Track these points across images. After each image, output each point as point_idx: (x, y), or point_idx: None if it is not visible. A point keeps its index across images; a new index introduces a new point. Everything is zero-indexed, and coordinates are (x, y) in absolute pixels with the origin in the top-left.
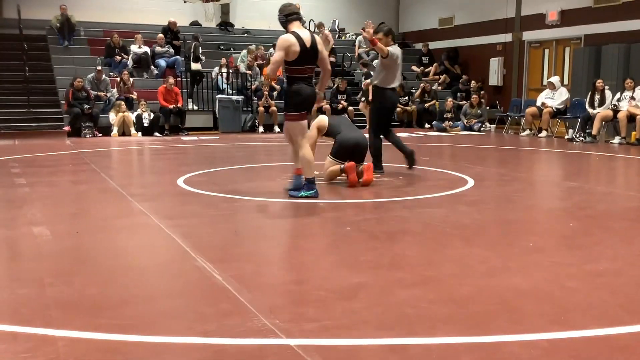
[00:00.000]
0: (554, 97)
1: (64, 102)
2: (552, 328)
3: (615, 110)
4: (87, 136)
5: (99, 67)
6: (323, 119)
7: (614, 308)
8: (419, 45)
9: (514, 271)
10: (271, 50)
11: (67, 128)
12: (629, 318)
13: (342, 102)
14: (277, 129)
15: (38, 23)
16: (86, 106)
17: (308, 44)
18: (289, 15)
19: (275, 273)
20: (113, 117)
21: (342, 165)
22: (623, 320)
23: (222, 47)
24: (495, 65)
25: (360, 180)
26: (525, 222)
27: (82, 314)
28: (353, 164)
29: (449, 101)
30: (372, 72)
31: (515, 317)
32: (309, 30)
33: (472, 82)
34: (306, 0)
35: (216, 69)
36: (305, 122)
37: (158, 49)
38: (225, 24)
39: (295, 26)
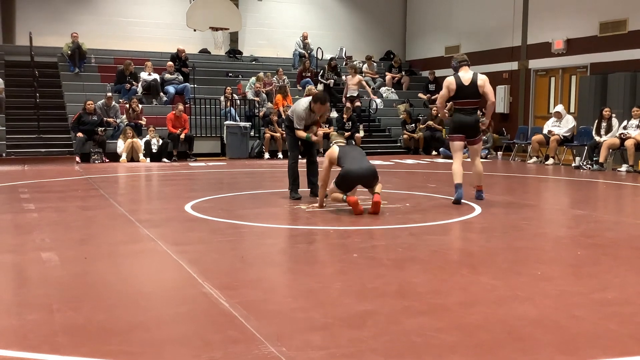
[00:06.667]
0: (560, 125)
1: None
2: (559, 358)
3: (622, 138)
4: (96, 162)
5: (109, 94)
6: (334, 151)
7: (623, 338)
8: (425, 73)
9: (521, 300)
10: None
11: (77, 159)
12: (638, 348)
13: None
14: (281, 155)
15: (49, 50)
16: (101, 128)
17: (467, 82)
18: (460, 62)
19: (282, 300)
20: (121, 143)
21: (344, 197)
22: (632, 351)
23: (230, 74)
24: (501, 93)
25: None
26: (533, 250)
27: (90, 340)
28: (356, 200)
29: None
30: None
31: (522, 346)
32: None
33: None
34: (315, 29)
35: (222, 97)
36: (459, 143)
37: (167, 76)
38: (233, 52)
39: (462, 70)
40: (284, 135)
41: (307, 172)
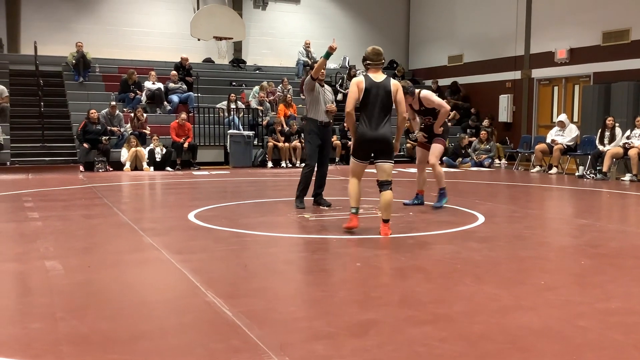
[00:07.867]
0: (563, 134)
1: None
2: None
3: (626, 148)
4: (100, 171)
5: (113, 103)
6: (361, 81)
7: (627, 348)
8: (428, 82)
9: (525, 309)
10: (280, 87)
11: (81, 167)
12: None
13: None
14: (283, 164)
15: (54, 59)
16: (104, 137)
17: None
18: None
19: (286, 309)
20: (125, 152)
21: (353, 211)
22: None
23: (234, 83)
24: (504, 102)
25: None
26: (537, 260)
27: (94, 349)
28: (356, 224)
29: (465, 139)
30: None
31: (526, 356)
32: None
33: (485, 120)
34: (318, 39)
35: (224, 103)
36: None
37: (171, 85)
38: (237, 61)
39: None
40: (284, 143)
41: (315, 179)
